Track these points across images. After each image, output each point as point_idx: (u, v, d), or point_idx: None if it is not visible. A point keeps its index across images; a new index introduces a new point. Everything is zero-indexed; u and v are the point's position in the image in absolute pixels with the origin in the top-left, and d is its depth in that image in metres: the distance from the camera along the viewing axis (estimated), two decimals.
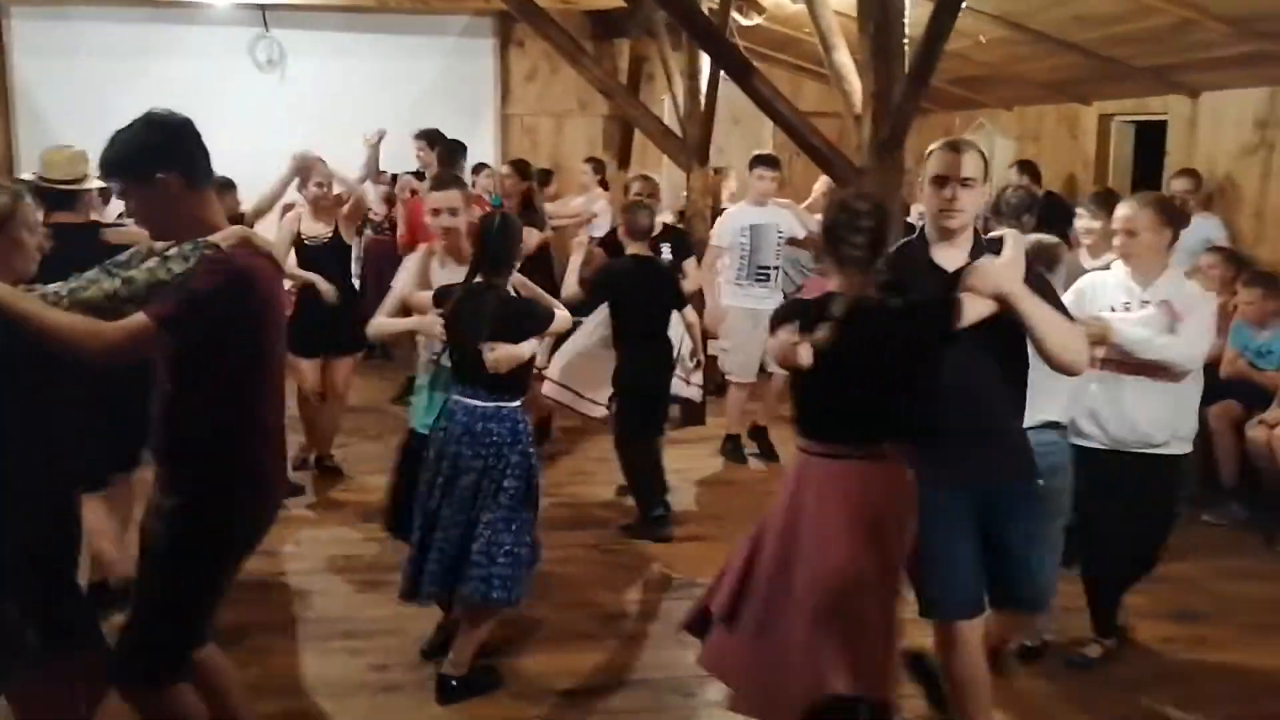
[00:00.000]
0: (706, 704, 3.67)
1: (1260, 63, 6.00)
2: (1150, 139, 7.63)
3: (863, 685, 2.75)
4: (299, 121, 8.79)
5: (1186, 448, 3.92)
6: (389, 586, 4.37)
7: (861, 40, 4.46)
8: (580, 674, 3.89)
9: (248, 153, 6.51)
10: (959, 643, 3.04)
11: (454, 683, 3.65)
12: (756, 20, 7.97)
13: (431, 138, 7.39)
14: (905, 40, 4.42)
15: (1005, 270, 2.78)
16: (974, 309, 2.71)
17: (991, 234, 3.09)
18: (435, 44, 9.99)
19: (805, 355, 2.72)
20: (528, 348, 3.62)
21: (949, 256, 2.87)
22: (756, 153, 6.83)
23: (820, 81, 9.22)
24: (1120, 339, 3.62)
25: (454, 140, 7.13)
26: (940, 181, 2.82)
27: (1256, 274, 5.94)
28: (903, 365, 2.80)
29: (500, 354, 3.52)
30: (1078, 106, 8.16)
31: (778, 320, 2.87)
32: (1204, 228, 6.39)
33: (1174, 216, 3.90)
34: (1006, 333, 2.80)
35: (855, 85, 4.63)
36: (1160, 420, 3.76)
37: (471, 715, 3.61)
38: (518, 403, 3.67)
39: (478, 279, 3.63)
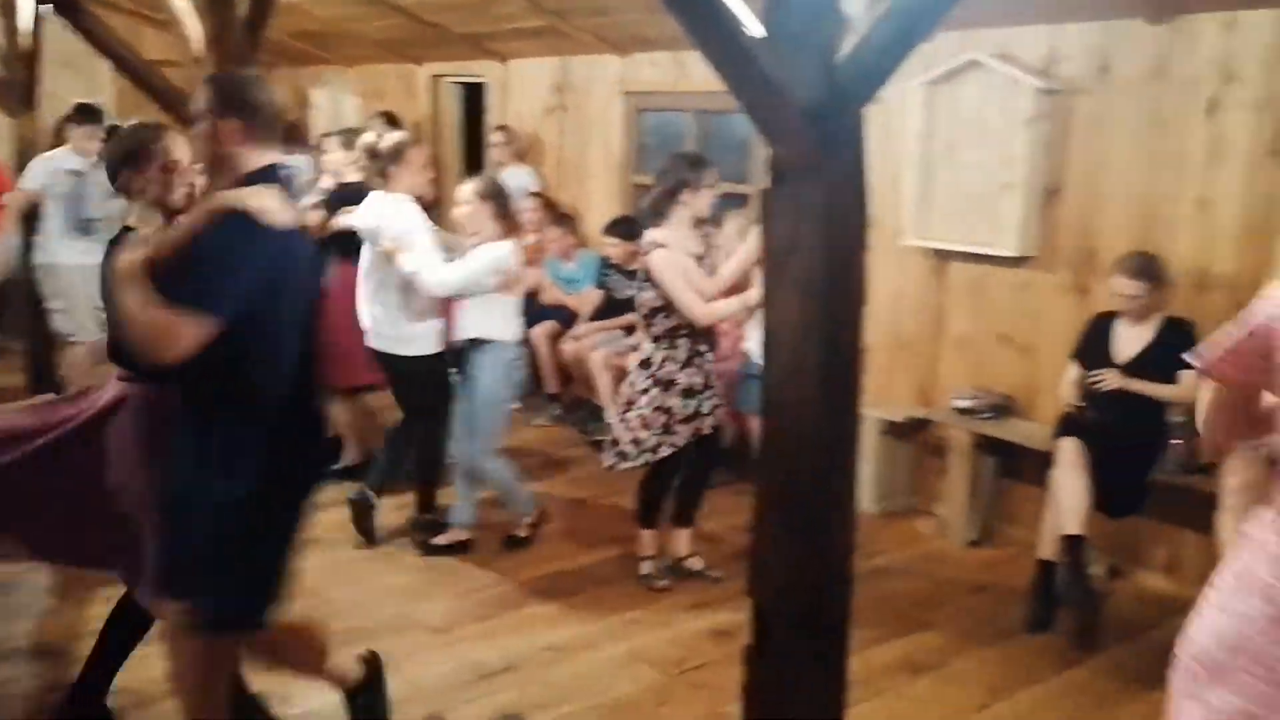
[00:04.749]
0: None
1: (552, 36, 7.02)
2: (475, 98, 8.55)
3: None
4: None
5: None
6: None
7: None
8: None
9: None
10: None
11: None
12: None
13: None
14: None
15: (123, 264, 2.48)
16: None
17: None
18: None
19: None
20: None
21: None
22: (80, 102, 6.55)
23: (161, 29, 8.88)
24: None
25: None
26: None
27: (559, 215, 7.10)
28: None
29: None
30: (412, 66, 8.82)
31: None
32: (519, 176, 7.40)
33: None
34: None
35: (195, 28, 4.71)
36: None
37: None
38: None
39: None
